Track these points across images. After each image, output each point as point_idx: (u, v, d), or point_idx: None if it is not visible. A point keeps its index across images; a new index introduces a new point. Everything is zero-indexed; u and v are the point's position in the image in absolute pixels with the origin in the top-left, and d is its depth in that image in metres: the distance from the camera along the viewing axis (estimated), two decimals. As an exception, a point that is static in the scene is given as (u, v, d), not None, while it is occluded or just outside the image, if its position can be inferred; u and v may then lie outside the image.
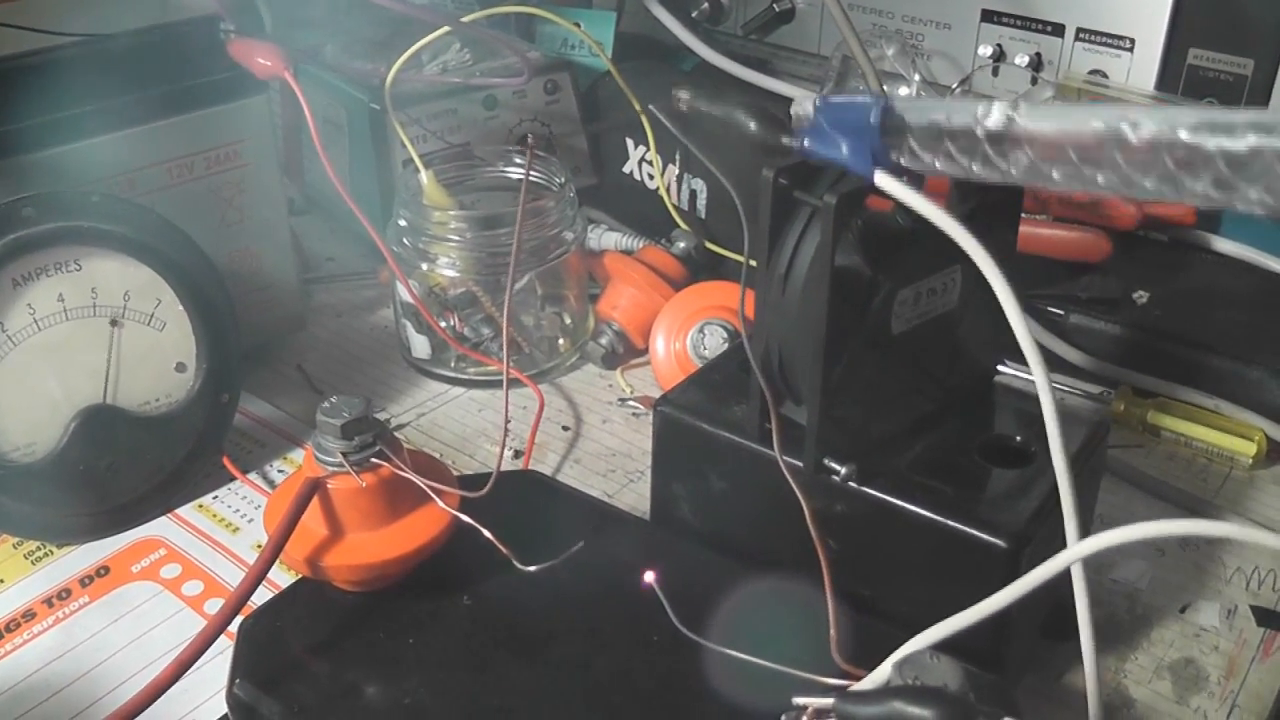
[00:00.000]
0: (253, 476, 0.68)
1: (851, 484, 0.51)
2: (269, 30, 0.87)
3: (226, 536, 0.64)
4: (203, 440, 0.66)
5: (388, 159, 0.84)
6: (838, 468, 0.51)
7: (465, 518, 0.50)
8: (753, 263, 0.51)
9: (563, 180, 0.77)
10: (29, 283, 0.59)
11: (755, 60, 0.99)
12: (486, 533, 0.48)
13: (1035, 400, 0.58)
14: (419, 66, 0.85)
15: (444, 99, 0.86)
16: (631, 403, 0.76)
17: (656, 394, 0.75)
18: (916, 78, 0.88)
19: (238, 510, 0.66)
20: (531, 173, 0.76)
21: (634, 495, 0.67)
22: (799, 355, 0.51)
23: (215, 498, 0.67)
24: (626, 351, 0.80)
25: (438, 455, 0.70)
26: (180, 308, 0.63)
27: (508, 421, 0.68)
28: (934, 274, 0.53)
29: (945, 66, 0.91)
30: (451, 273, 0.75)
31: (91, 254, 0.60)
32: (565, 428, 0.74)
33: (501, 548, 0.48)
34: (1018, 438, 0.54)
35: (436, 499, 0.50)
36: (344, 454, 0.50)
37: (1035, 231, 0.75)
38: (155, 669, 0.54)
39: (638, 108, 0.86)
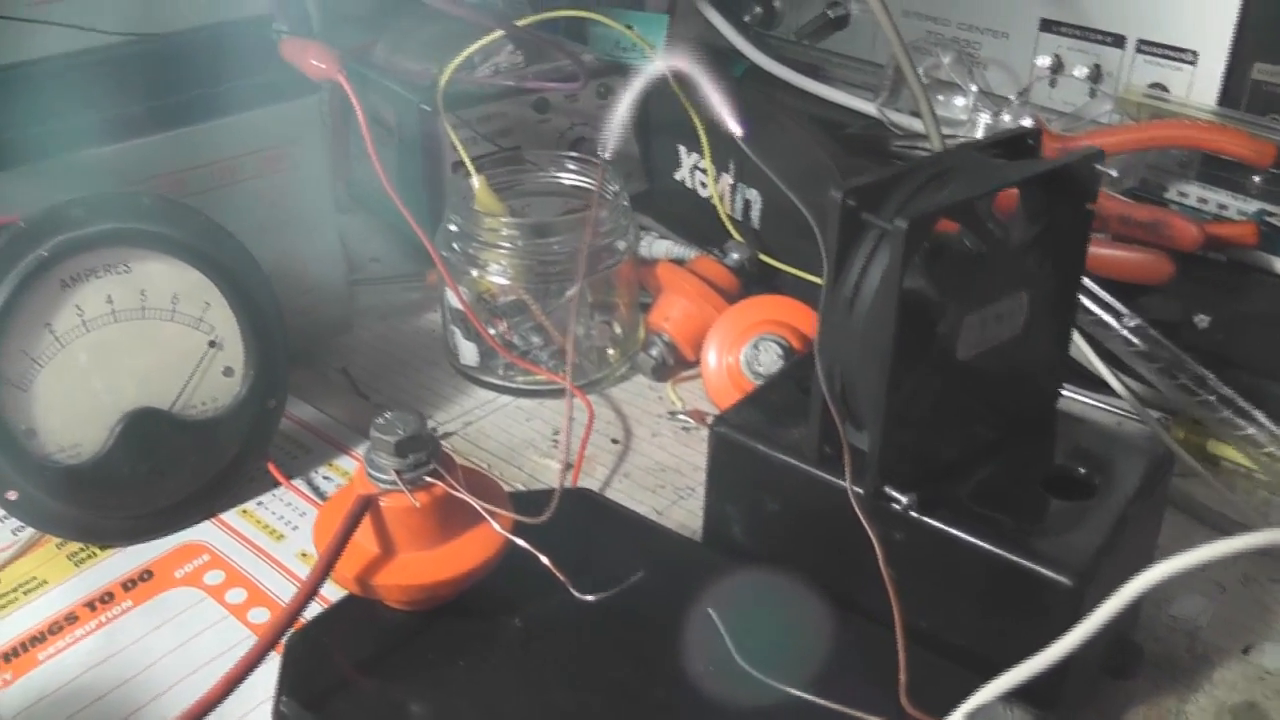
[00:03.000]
0: (298, 483, 0.68)
1: (912, 513, 0.50)
2: (316, 29, 0.87)
3: (270, 543, 0.63)
4: (248, 445, 0.65)
5: (437, 161, 0.83)
6: (899, 496, 0.50)
7: (521, 542, 0.48)
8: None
9: (616, 188, 0.76)
10: (77, 284, 0.58)
11: (808, 66, 0.98)
12: (544, 559, 0.47)
13: (1097, 429, 0.57)
14: (471, 68, 0.84)
15: (495, 101, 0.84)
16: (682, 416, 0.75)
17: (707, 407, 0.74)
18: (974, 88, 0.86)
19: (282, 517, 0.65)
20: (583, 179, 0.74)
21: (683, 512, 0.66)
22: (862, 379, 0.50)
23: (260, 503, 0.66)
24: (677, 363, 0.79)
25: (485, 465, 0.69)
26: (228, 311, 0.63)
27: (567, 437, 0.66)
28: (1001, 299, 0.51)
29: (1002, 77, 0.90)
30: (502, 280, 0.74)
31: (140, 256, 0.60)
32: (615, 440, 0.73)
33: (559, 575, 0.47)
34: (1080, 469, 0.53)
35: (493, 522, 0.49)
36: (398, 472, 0.49)
37: (1096, 252, 0.74)
38: (198, 678, 0.54)
39: (692, 113, 0.84)
